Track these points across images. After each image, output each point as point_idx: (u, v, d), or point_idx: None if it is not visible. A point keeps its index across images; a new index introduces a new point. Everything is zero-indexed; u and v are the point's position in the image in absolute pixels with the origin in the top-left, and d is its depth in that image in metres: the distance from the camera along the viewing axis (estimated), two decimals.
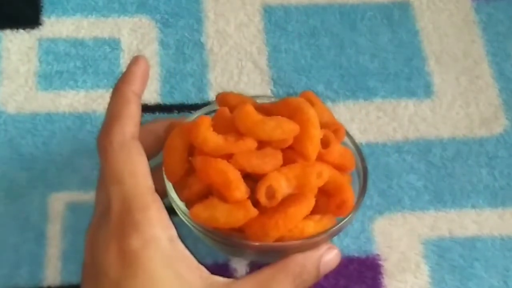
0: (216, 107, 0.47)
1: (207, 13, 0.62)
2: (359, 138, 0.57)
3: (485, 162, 0.57)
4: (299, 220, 0.41)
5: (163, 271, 0.40)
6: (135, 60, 0.46)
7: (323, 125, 0.44)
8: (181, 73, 0.59)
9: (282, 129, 0.41)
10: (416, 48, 0.61)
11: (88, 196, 0.53)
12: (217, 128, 0.42)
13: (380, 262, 0.52)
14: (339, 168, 0.44)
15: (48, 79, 0.58)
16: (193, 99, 0.58)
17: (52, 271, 0.51)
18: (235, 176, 0.41)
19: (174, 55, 0.60)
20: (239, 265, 0.52)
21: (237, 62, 0.60)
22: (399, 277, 0.52)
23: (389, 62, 0.60)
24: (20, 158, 0.55)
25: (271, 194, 0.41)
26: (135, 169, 0.41)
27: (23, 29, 0.60)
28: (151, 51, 0.60)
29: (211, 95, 0.58)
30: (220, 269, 0.51)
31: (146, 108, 0.57)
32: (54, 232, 0.52)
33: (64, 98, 0.57)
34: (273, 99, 0.48)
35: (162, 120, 0.50)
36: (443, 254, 0.53)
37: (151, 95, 0.58)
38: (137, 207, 0.40)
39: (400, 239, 0.53)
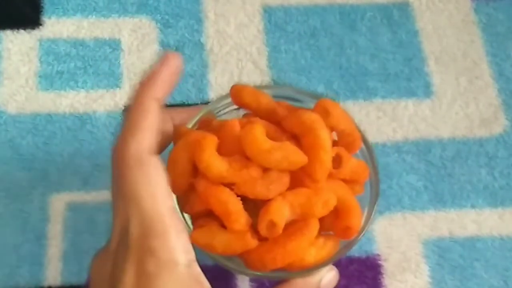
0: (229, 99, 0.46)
1: (207, 14, 0.62)
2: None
3: (485, 162, 0.57)
4: (299, 254, 0.41)
5: None
6: (162, 58, 0.42)
7: (339, 135, 0.43)
8: (181, 73, 0.59)
9: (289, 161, 0.40)
10: (416, 48, 0.61)
11: (89, 197, 0.53)
12: (223, 144, 0.41)
13: (380, 262, 0.53)
14: (350, 182, 0.43)
15: (49, 79, 0.58)
16: (193, 99, 0.58)
17: (53, 271, 0.51)
18: (235, 207, 0.40)
19: None
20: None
21: (237, 62, 0.60)
22: (399, 277, 0.52)
23: (389, 62, 0.60)
24: (21, 158, 0.55)
25: (272, 226, 0.40)
26: (153, 189, 0.40)
27: (24, 29, 0.60)
28: (151, 52, 0.60)
29: (211, 95, 0.58)
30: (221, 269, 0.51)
31: None
32: (55, 232, 0.52)
33: (65, 99, 0.57)
34: (290, 91, 0.47)
35: (180, 110, 0.47)
36: (443, 254, 0.53)
37: None
38: (156, 233, 0.39)
39: (400, 239, 0.53)
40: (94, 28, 0.61)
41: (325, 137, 0.41)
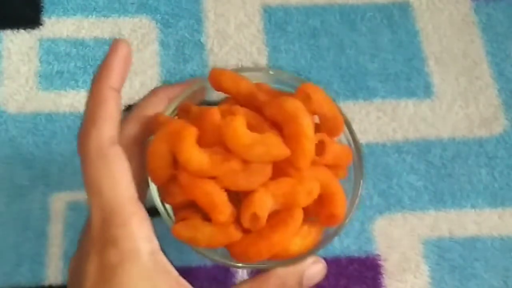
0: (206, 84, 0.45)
1: (207, 13, 0.62)
2: (359, 138, 0.56)
3: (485, 162, 0.57)
4: (284, 245, 0.40)
5: (141, 285, 0.39)
6: (112, 46, 0.41)
7: (321, 118, 0.42)
8: (181, 73, 0.59)
9: (271, 155, 0.39)
10: (416, 48, 0.61)
11: None
12: (203, 134, 0.40)
13: (380, 262, 0.53)
14: (334, 167, 0.43)
15: (49, 79, 0.58)
16: None
17: (53, 270, 0.51)
18: (220, 199, 0.39)
19: (174, 55, 0.60)
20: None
21: (237, 62, 0.60)
22: (399, 277, 0.52)
23: (389, 62, 0.60)
24: (21, 158, 0.55)
25: (255, 218, 0.39)
26: (114, 179, 0.39)
27: (24, 29, 0.60)
28: (151, 52, 0.60)
29: (211, 95, 0.58)
30: (220, 269, 0.51)
31: None
32: (55, 232, 0.52)
33: (65, 98, 0.57)
34: (271, 73, 0.46)
35: (176, 87, 0.46)
36: (443, 254, 0.53)
37: None
38: (116, 222, 0.39)
39: (400, 239, 0.53)
40: (94, 28, 0.61)
41: (308, 125, 0.40)
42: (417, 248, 0.53)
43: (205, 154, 0.40)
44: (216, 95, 0.45)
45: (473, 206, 0.55)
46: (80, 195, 0.53)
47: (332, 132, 0.43)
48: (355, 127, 0.56)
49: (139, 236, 0.39)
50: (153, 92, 0.45)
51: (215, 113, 0.41)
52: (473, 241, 0.54)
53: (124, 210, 0.39)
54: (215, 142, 0.40)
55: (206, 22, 0.62)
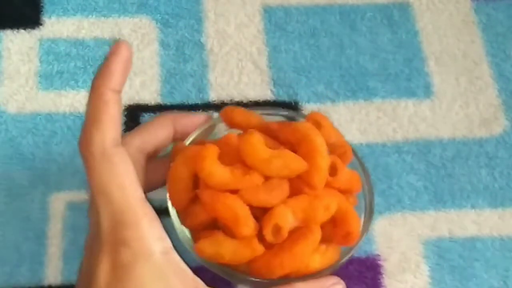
0: (219, 121, 0.47)
1: (207, 13, 0.62)
2: (359, 138, 0.57)
3: (485, 162, 0.57)
4: (305, 258, 0.41)
5: (155, 285, 0.39)
6: (113, 48, 0.41)
7: (330, 147, 0.43)
8: (181, 73, 0.59)
9: (289, 168, 0.41)
10: (416, 48, 0.61)
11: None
12: (223, 156, 0.41)
13: (380, 262, 0.53)
14: (346, 192, 0.44)
15: (49, 79, 0.58)
16: (193, 99, 0.58)
17: (53, 270, 0.51)
18: (244, 212, 0.40)
19: (174, 55, 0.60)
20: None
21: (237, 62, 0.60)
22: (399, 277, 0.52)
23: (389, 62, 0.60)
24: (21, 158, 0.55)
25: (277, 231, 0.40)
26: (121, 181, 0.39)
27: (24, 29, 0.60)
28: (152, 51, 0.60)
29: (211, 96, 0.58)
30: None
31: (147, 108, 0.57)
32: (55, 232, 0.52)
33: (65, 98, 0.57)
34: (280, 113, 0.48)
35: (183, 115, 0.47)
36: (443, 254, 0.53)
37: (152, 95, 0.58)
38: (127, 223, 0.39)
39: (400, 239, 0.53)
40: (94, 28, 0.61)
41: (321, 143, 0.42)
42: (417, 248, 0.53)
43: (227, 168, 0.41)
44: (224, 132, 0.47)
45: (473, 206, 0.55)
46: (80, 195, 0.53)
47: (342, 158, 0.44)
48: (355, 127, 0.57)
49: (151, 236, 0.39)
50: (160, 116, 0.47)
51: (232, 137, 0.42)
52: (473, 241, 0.54)
53: (134, 211, 0.39)
54: (235, 162, 0.41)
55: (206, 22, 0.62)
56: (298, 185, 0.41)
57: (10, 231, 0.52)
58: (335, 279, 0.43)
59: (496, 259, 0.53)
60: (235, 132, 0.45)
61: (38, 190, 0.53)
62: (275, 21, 0.62)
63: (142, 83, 0.58)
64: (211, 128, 0.48)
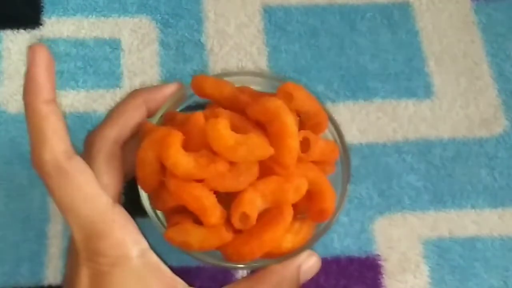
0: (190, 90, 0.46)
1: (207, 13, 0.62)
2: (359, 138, 0.57)
3: (485, 162, 0.57)
4: (275, 243, 0.41)
5: (133, 287, 0.39)
6: (30, 57, 0.39)
7: (304, 115, 0.43)
8: (181, 73, 0.59)
9: (254, 155, 0.40)
10: (416, 48, 0.61)
11: None
12: (189, 140, 0.41)
13: (380, 262, 0.53)
14: (321, 163, 0.43)
15: None
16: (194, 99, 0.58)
17: (53, 270, 0.51)
18: (210, 202, 0.40)
19: (174, 55, 0.60)
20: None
21: (237, 62, 0.60)
22: (399, 277, 0.52)
23: (389, 62, 0.60)
24: (21, 158, 0.55)
25: (245, 218, 0.40)
26: (83, 193, 0.39)
27: (24, 29, 0.60)
28: (152, 52, 0.60)
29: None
30: (220, 269, 0.51)
31: None
32: (55, 231, 0.52)
33: (65, 98, 0.57)
34: (253, 75, 0.47)
35: (153, 90, 0.46)
36: (443, 254, 0.53)
37: None
38: (99, 233, 0.39)
39: (400, 239, 0.53)
40: (94, 28, 0.61)
41: (291, 123, 0.40)
42: (417, 248, 0.53)
43: (191, 158, 0.40)
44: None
45: (473, 206, 0.55)
46: None
47: (317, 128, 0.44)
48: (355, 127, 0.57)
49: (125, 241, 0.39)
50: (131, 95, 0.45)
51: (199, 117, 0.41)
52: (473, 241, 0.54)
53: (103, 220, 0.39)
54: (202, 146, 0.40)
55: (206, 22, 0.62)
56: (269, 165, 0.41)
57: (10, 230, 0.52)
58: (307, 252, 0.43)
59: (496, 259, 0.53)
60: None
61: (38, 190, 0.53)
62: (275, 21, 0.62)
63: (142, 83, 0.58)
64: (182, 98, 0.47)
